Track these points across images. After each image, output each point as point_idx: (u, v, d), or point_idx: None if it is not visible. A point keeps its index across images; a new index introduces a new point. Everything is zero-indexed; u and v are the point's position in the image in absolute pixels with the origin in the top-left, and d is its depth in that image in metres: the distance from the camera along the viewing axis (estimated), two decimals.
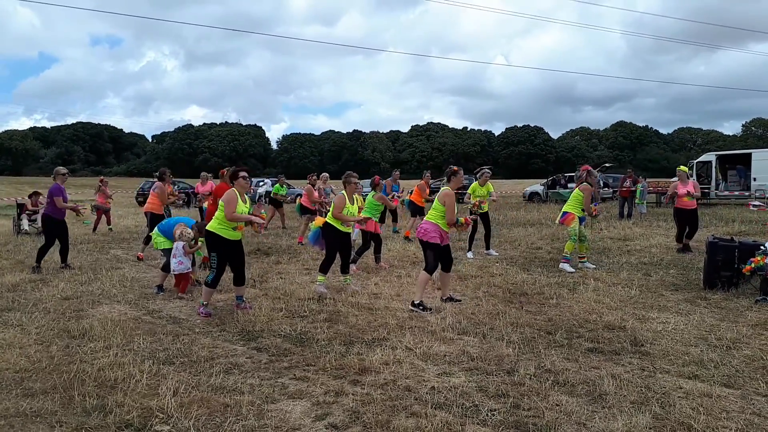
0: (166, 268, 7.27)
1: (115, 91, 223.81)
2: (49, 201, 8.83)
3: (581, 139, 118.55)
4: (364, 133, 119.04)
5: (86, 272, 8.64)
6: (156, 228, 7.70)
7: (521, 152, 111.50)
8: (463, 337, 5.23)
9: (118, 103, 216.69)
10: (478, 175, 9.98)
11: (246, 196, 6.24)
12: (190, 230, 7.13)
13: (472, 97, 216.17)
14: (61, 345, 5.04)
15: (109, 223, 15.45)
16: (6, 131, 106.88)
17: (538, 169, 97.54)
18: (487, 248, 10.32)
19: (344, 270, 7.40)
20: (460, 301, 6.57)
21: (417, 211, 13.04)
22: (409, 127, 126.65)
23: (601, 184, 26.55)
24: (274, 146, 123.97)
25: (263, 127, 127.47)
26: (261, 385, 4.09)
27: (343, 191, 7.32)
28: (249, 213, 6.14)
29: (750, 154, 23.65)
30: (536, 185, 30.90)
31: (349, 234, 7.38)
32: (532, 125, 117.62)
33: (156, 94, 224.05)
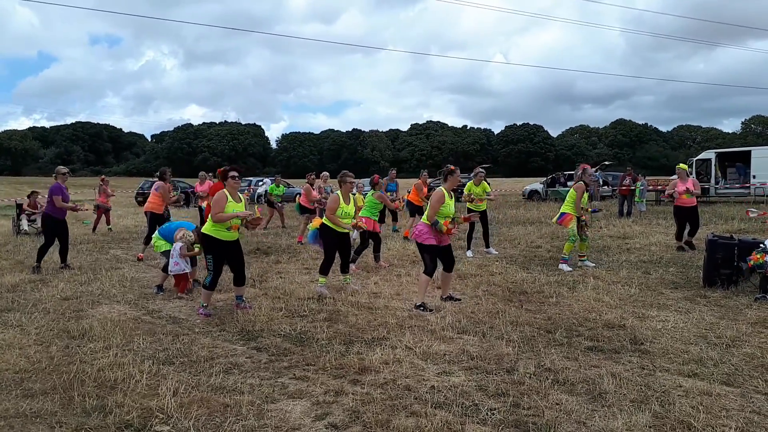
0: (166, 268, 7.27)
1: (115, 90, 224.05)
2: (49, 200, 8.83)
3: (581, 137, 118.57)
4: (364, 131, 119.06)
5: (86, 272, 8.64)
6: (157, 231, 7.72)
7: (521, 150, 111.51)
8: (463, 336, 5.23)
9: (117, 102, 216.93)
10: (472, 175, 10.33)
11: (240, 195, 6.19)
12: (191, 233, 7.13)
13: (472, 95, 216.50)
14: (61, 345, 5.04)
15: (108, 223, 15.45)
16: (5, 131, 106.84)
17: (537, 167, 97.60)
18: (487, 246, 10.33)
19: (344, 269, 7.39)
20: (460, 300, 6.57)
21: (415, 210, 13.04)
22: (409, 126, 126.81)
23: (601, 183, 26.56)
24: (274, 145, 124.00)
25: (263, 126, 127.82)
26: (261, 385, 4.09)
27: (338, 191, 7.27)
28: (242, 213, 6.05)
29: (749, 151, 23.64)
30: (536, 184, 30.89)
31: (347, 234, 7.33)
32: (531, 123, 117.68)
33: (155, 94, 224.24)
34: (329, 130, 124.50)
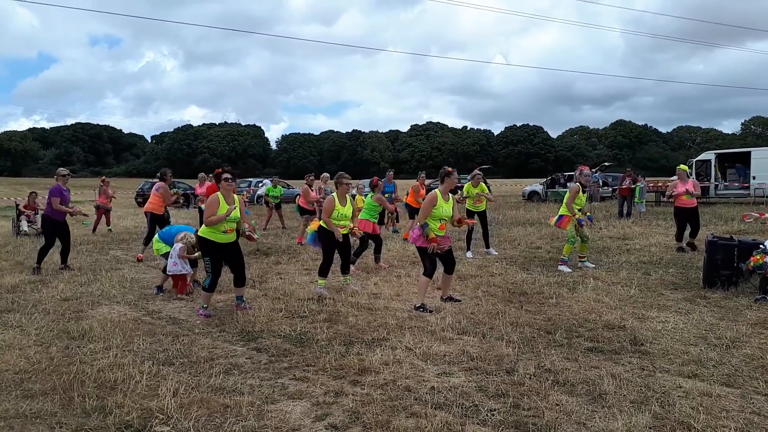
0: (166, 269, 7.27)
1: (115, 91, 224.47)
2: (48, 202, 8.82)
3: (580, 138, 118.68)
4: (364, 132, 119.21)
5: (86, 273, 8.64)
6: (157, 235, 7.73)
7: (520, 151, 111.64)
8: (463, 336, 5.23)
9: (117, 103, 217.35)
10: (469, 177, 10.47)
11: (235, 197, 6.16)
12: (192, 236, 7.14)
13: (471, 96, 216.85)
14: (61, 346, 5.04)
15: (108, 223, 15.44)
16: (5, 132, 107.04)
17: (537, 168, 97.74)
18: (487, 247, 10.33)
19: (344, 270, 7.39)
20: (460, 301, 6.57)
21: (414, 212, 13.02)
22: (409, 127, 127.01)
23: (601, 184, 26.56)
24: (274, 146, 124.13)
25: (262, 127, 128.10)
26: (261, 386, 4.09)
27: (334, 193, 7.23)
28: (234, 218, 5.99)
29: (749, 152, 23.63)
30: (536, 184, 30.88)
31: (346, 234, 7.29)
32: (531, 124, 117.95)
33: (155, 95, 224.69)
34: (329, 131, 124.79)
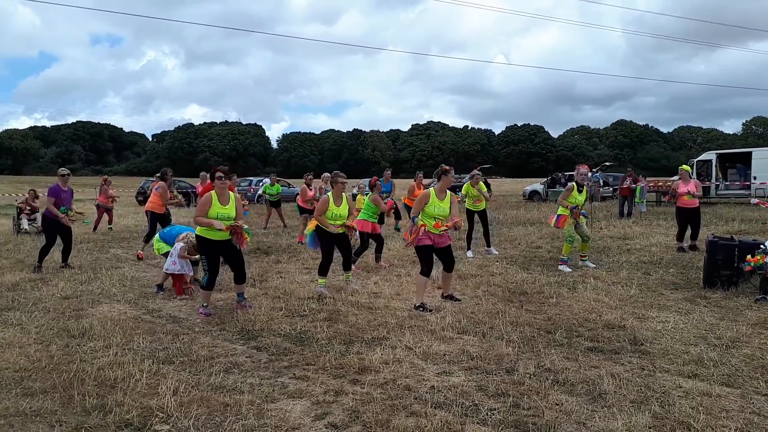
0: None
1: (116, 90, 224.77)
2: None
3: (581, 137, 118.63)
4: (364, 132, 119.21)
5: (86, 271, 8.64)
6: (158, 234, 7.73)
7: (521, 151, 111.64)
8: (463, 336, 5.23)
9: (118, 102, 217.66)
10: (468, 177, 10.62)
11: (231, 195, 6.14)
12: (194, 236, 7.14)
13: (472, 95, 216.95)
14: (61, 344, 5.05)
15: (110, 222, 15.45)
16: (6, 130, 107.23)
17: (538, 168, 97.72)
18: (488, 246, 10.33)
19: (346, 267, 7.38)
20: (460, 300, 6.57)
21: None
22: (410, 126, 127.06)
23: (601, 183, 26.53)
24: (275, 145, 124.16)
25: (263, 126, 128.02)
26: (261, 385, 4.09)
27: (330, 192, 7.19)
28: (226, 217, 5.95)
29: (750, 152, 23.62)
30: (536, 184, 30.86)
31: (343, 232, 7.20)
32: (532, 124, 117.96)
33: (156, 93, 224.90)
34: (330, 130, 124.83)
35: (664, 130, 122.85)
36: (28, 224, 14.35)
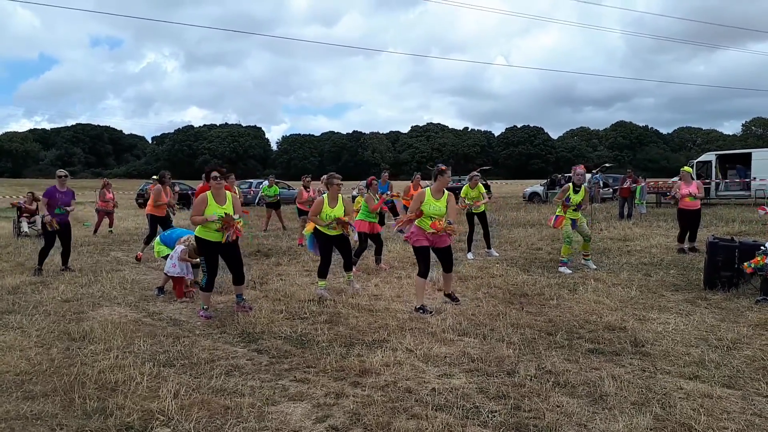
0: None
1: (115, 92, 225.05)
2: (46, 202, 8.82)
3: (581, 139, 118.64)
4: (364, 133, 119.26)
5: (86, 274, 8.64)
6: (158, 237, 7.74)
7: (521, 152, 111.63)
8: (464, 338, 5.23)
9: (118, 104, 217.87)
10: (467, 179, 10.48)
11: (227, 195, 6.13)
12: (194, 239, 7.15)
13: (472, 97, 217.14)
14: (62, 347, 5.04)
15: (111, 225, 15.45)
16: (6, 133, 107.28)
17: (538, 169, 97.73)
18: (488, 248, 10.33)
19: (347, 268, 7.38)
20: (458, 301, 6.55)
21: None
22: (409, 128, 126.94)
23: (601, 184, 26.53)
24: (274, 147, 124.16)
25: (263, 128, 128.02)
26: (261, 387, 4.09)
27: (325, 194, 7.16)
28: (222, 215, 5.92)
29: (750, 153, 23.62)
30: (536, 186, 30.85)
31: (341, 234, 7.15)
32: (531, 125, 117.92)
33: (156, 96, 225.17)
34: (330, 132, 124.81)
35: (664, 131, 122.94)
36: (29, 227, 14.34)
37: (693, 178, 10.67)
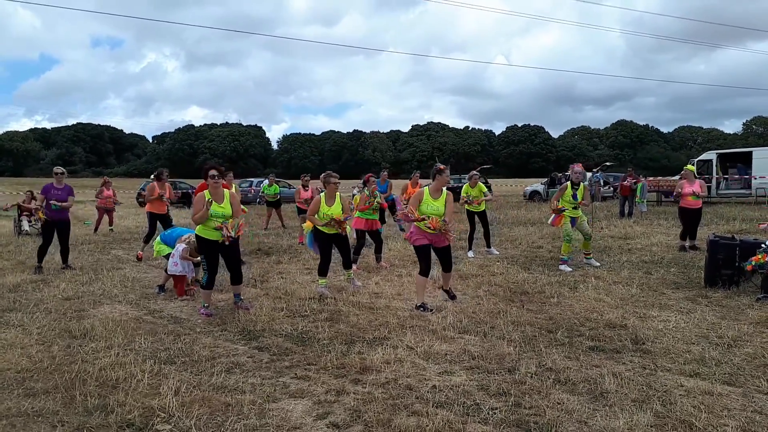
0: None
1: (116, 92, 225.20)
2: (44, 199, 8.83)
3: (582, 138, 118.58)
4: (365, 133, 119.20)
5: (87, 272, 8.65)
6: (158, 237, 7.74)
7: (522, 151, 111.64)
8: (464, 335, 5.23)
9: (118, 104, 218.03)
10: (467, 178, 10.62)
11: (225, 192, 6.13)
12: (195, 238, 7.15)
13: (473, 96, 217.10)
14: (63, 345, 5.05)
15: (111, 223, 15.46)
16: (7, 132, 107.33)
17: (538, 168, 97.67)
18: (488, 247, 10.33)
19: (346, 266, 7.38)
20: (455, 298, 6.55)
21: None
22: (410, 127, 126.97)
23: (602, 183, 26.53)
24: (275, 146, 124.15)
25: (264, 128, 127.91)
26: (262, 385, 4.09)
27: (323, 193, 7.14)
28: (220, 215, 5.93)
29: (751, 152, 23.61)
30: (537, 184, 30.86)
31: (339, 232, 7.12)
32: (532, 124, 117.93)
33: (157, 95, 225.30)
34: (330, 131, 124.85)
35: (665, 130, 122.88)
36: (29, 225, 14.34)
37: (696, 177, 10.65)
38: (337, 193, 7.16)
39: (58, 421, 3.53)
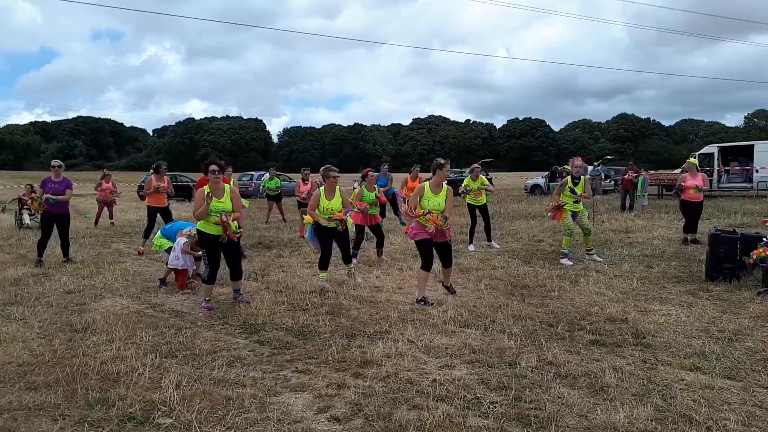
0: None
1: (116, 85, 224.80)
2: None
3: (583, 131, 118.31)
4: (365, 126, 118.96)
5: (88, 266, 8.65)
6: (159, 231, 7.75)
7: (523, 145, 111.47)
8: (465, 329, 5.23)
9: (119, 97, 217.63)
10: (468, 171, 10.56)
11: (226, 187, 6.12)
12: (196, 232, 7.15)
13: (474, 89, 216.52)
14: (64, 338, 5.06)
15: (111, 217, 15.46)
16: (7, 126, 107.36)
17: (539, 161, 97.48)
18: (489, 240, 10.32)
19: (346, 260, 7.38)
20: (455, 293, 6.55)
21: None
22: (411, 120, 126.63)
23: (603, 177, 26.47)
24: (275, 140, 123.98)
25: (264, 121, 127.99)
26: (263, 378, 4.10)
27: (322, 187, 7.11)
28: (220, 210, 5.91)
29: (752, 145, 23.54)
30: (538, 178, 30.79)
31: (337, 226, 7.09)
32: (533, 118, 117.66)
33: (157, 88, 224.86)
34: (331, 124, 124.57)
35: (666, 123, 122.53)
36: (30, 219, 14.35)
37: (698, 170, 10.61)
38: (337, 186, 7.13)
39: (59, 415, 3.54)
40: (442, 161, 6.36)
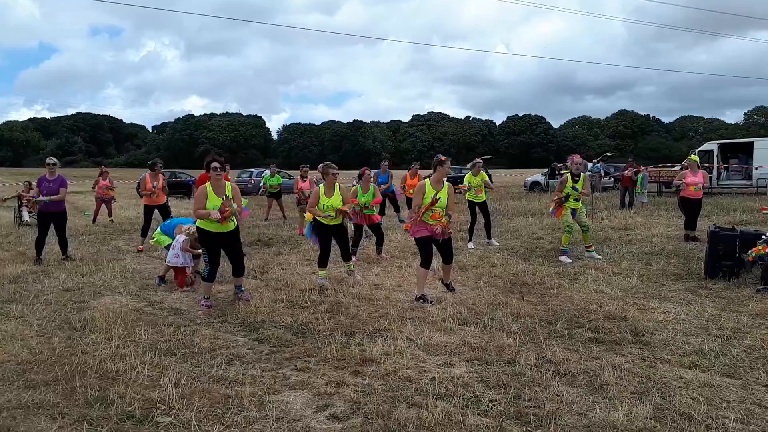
0: None
1: (115, 81, 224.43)
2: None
3: (582, 128, 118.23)
4: (365, 122, 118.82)
5: (87, 264, 8.65)
6: (159, 227, 7.74)
7: (522, 142, 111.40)
8: (464, 327, 5.23)
9: (118, 93, 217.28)
10: (470, 166, 10.49)
11: (228, 184, 6.10)
12: (195, 229, 7.14)
13: (474, 86, 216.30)
14: (63, 336, 5.06)
15: (110, 214, 15.45)
16: (6, 122, 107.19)
17: (539, 158, 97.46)
18: (488, 238, 10.32)
19: (345, 258, 7.38)
20: (454, 290, 6.55)
21: (409, 201, 13.04)
22: (410, 117, 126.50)
23: (602, 174, 26.46)
24: (275, 136, 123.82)
25: (264, 117, 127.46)
26: (262, 376, 4.10)
27: (322, 185, 7.11)
28: (219, 208, 5.88)
29: (752, 142, 23.53)
30: (537, 175, 30.76)
31: (340, 223, 7.12)
32: (533, 114, 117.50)
33: (156, 85, 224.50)
34: (330, 121, 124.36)
35: (666, 120, 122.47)
36: (29, 216, 14.33)
37: (699, 167, 10.60)
38: (337, 183, 7.13)
39: (58, 413, 3.54)
40: (443, 158, 6.36)
